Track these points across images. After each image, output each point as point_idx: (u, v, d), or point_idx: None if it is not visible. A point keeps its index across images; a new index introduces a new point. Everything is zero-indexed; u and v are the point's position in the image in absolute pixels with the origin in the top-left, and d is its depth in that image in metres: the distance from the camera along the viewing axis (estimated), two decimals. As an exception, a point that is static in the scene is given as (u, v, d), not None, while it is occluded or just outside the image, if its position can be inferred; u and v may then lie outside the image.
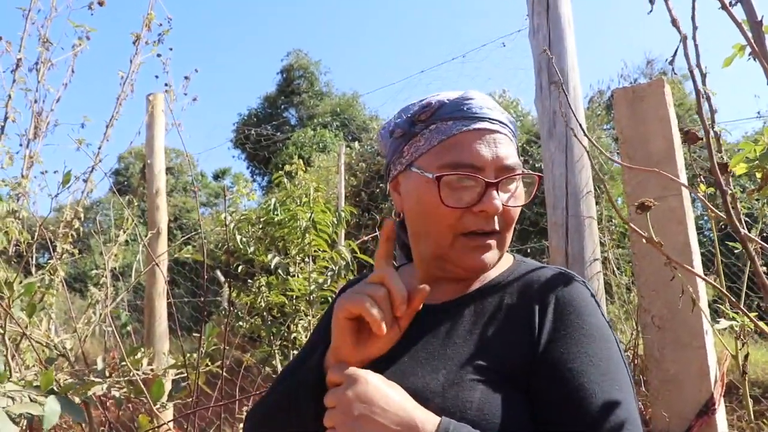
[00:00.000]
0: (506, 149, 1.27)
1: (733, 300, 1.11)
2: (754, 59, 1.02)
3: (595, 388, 1.08)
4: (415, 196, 1.30)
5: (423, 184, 1.27)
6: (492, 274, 1.33)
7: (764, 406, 5.79)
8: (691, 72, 0.94)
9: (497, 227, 1.25)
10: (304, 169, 4.30)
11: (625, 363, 1.17)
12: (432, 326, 1.26)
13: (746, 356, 1.69)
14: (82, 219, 3.56)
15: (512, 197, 1.28)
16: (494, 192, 1.22)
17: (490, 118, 1.28)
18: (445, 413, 1.05)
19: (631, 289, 4.54)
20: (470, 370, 1.14)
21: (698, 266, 2.28)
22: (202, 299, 3.29)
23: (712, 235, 1.94)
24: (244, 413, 1.46)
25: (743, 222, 1.12)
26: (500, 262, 1.36)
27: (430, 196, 1.25)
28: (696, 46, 0.97)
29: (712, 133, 1.00)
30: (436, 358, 1.13)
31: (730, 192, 0.93)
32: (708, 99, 0.98)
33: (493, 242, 1.26)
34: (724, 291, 1.17)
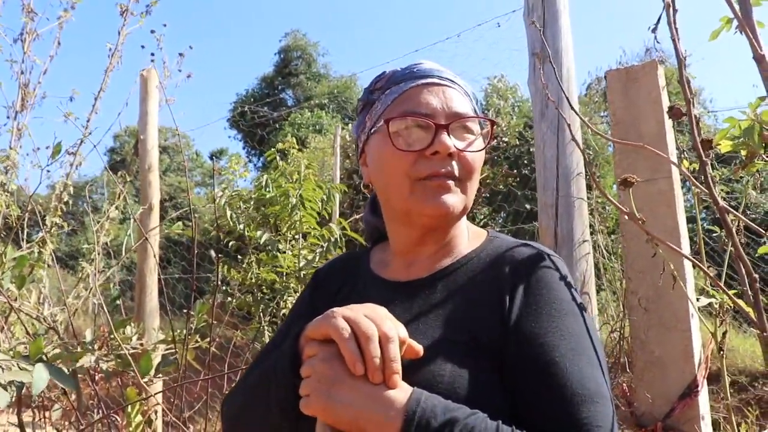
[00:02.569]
0: (456, 100, 1.29)
1: (712, 276, 1.11)
2: (741, 32, 1.01)
3: (566, 363, 1.08)
4: (375, 155, 1.33)
5: (380, 140, 1.31)
6: (465, 250, 1.34)
7: (751, 394, 5.83)
8: (674, 40, 0.94)
9: (455, 172, 1.25)
10: (297, 147, 4.29)
11: (596, 339, 1.18)
12: (404, 303, 1.27)
13: (724, 334, 1.70)
14: (76, 197, 3.55)
15: (469, 146, 1.28)
16: (445, 133, 1.24)
17: (439, 76, 1.32)
18: (416, 387, 1.05)
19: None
20: (443, 345, 1.15)
21: (686, 249, 2.29)
22: (194, 276, 3.28)
23: (697, 222, 1.95)
24: (230, 389, 1.46)
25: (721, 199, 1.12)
26: (473, 238, 1.38)
27: (386, 146, 1.27)
28: (674, 11, 0.96)
29: (694, 110, 1.00)
30: (409, 333, 1.12)
31: (708, 164, 0.93)
32: (682, 67, 0.98)
33: (452, 184, 1.25)
34: (704, 268, 1.17)
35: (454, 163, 1.25)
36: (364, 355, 1.02)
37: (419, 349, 1.09)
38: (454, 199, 1.26)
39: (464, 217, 1.37)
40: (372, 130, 1.35)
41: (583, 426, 1.03)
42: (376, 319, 1.05)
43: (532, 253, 1.25)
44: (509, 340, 1.14)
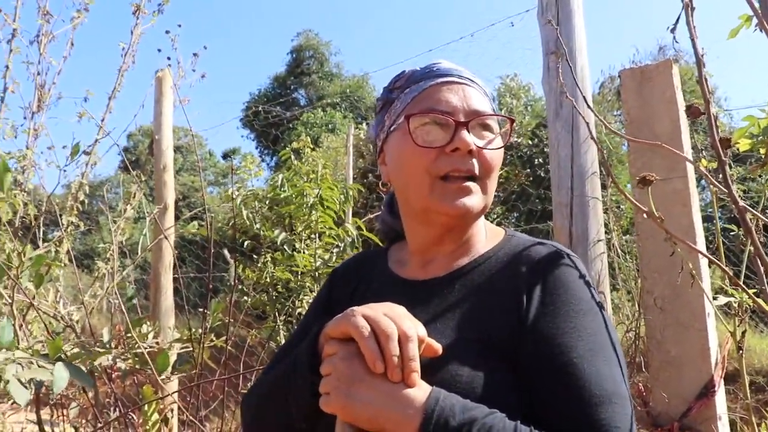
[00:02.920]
0: (476, 99, 1.30)
1: (732, 275, 1.11)
2: (761, 30, 1.01)
3: (583, 363, 1.09)
4: (395, 153, 1.34)
5: (400, 138, 1.31)
6: (483, 249, 1.34)
7: (767, 395, 5.79)
8: (692, 39, 0.94)
9: (476, 170, 1.26)
10: (311, 146, 4.30)
11: (614, 338, 1.18)
12: (422, 301, 1.27)
13: (743, 333, 1.69)
14: (91, 197, 3.58)
15: (489, 144, 1.29)
16: (465, 131, 1.24)
17: (458, 75, 1.32)
18: (435, 384, 1.06)
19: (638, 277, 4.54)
20: (461, 343, 1.16)
21: (702, 248, 2.28)
22: (210, 275, 3.30)
23: (715, 221, 1.94)
24: (248, 388, 1.46)
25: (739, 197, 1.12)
26: (491, 237, 1.38)
27: (406, 144, 1.28)
28: (691, 10, 0.96)
29: (713, 108, 1.00)
30: (427, 332, 1.11)
31: (727, 163, 0.93)
32: (701, 66, 0.98)
33: (473, 186, 1.26)
34: (723, 267, 1.17)
35: (474, 160, 1.25)
36: (384, 353, 1.03)
37: (438, 347, 1.09)
38: (474, 200, 1.26)
39: (482, 216, 1.37)
40: (391, 129, 1.35)
41: (601, 427, 1.04)
42: (395, 318, 1.05)
43: (549, 252, 1.25)
44: (526, 340, 1.14)
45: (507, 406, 1.06)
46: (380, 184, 1.46)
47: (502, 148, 1.32)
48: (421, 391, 1.03)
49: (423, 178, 1.26)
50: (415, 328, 1.06)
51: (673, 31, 1.01)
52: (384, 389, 1.02)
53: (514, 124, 1.36)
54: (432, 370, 1.10)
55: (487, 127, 1.30)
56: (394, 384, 1.02)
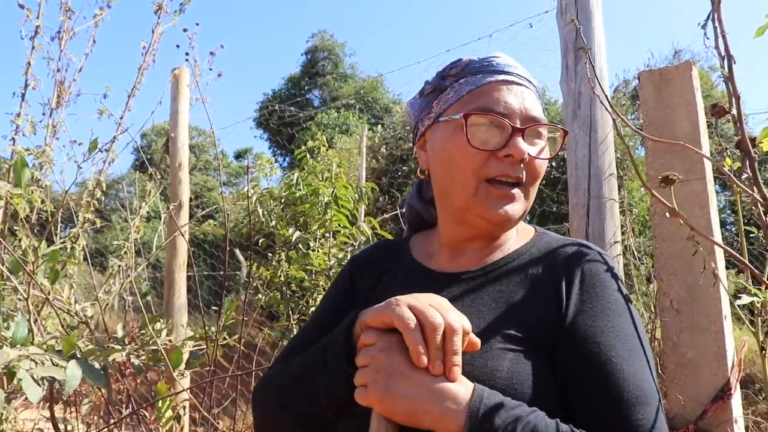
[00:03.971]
0: (532, 102, 1.28)
1: (757, 272, 1.10)
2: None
3: (622, 363, 1.08)
4: (441, 145, 1.31)
5: (450, 131, 1.28)
6: (514, 245, 1.33)
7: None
8: (723, 36, 0.93)
9: (523, 177, 1.24)
10: (326, 146, 4.30)
11: (645, 339, 1.17)
12: (455, 295, 1.25)
13: (767, 334, 1.67)
14: (106, 195, 3.59)
15: (539, 152, 1.27)
16: (520, 138, 1.23)
17: (517, 74, 1.30)
18: (473, 380, 1.05)
19: (651, 279, 4.51)
20: (498, 339, 1.14)
21: (719, 251, 2.26)
22: (222, 273, 3.31)
23: (739, 221, 1.92)
24: (261, 379, 1.43)
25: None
26: (522, 234, 1.37)
27: (457, 140, 1.25)
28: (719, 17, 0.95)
29: (732, 110, 0.99)
30: None
31: (756, 160, 0.92)
32: (731, 63, 0.97)
33: (517, 193, 1.25)
34: (747, 263, 1.16)
35: (523, 167, 1.24)
36: (428, 346, 1.01)
37: (477, 342, 1.08)
38: (516, 208, 1.25)
39: None
40: (440, 118, 1.32)
41: (639, 427, 1.04)
42: (441, 310, 1.04)
43: (587, 251, 1.25)
44: (564, 337, 1.13)
45: (546, 403, 1.06)
46: (418, 171, 1.45)
47: (553, 157, 1.31)
48: (463, 387, 1.02)
49: (470, 177, 1.25)
50: (461, 321, 1.04)
51: (704, 27, 1.00)
52: (425, 383, 1.01)
53: (566, 135, 1.35)
54: (470, 365, 1.09)
55: (539, 134, 1.29)
56: (435, 378, 1.01)
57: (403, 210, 1.64)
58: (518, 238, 1.35)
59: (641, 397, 1.06)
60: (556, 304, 1.17)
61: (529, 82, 1.31)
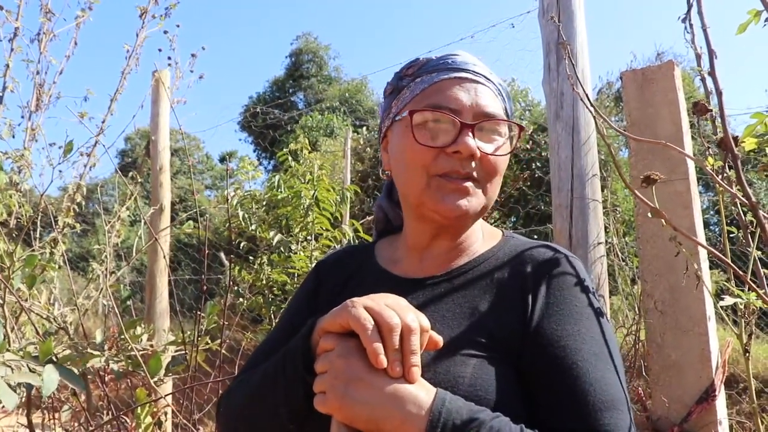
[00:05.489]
0: (487, 99, 1.26)
1: (740, 272, 1.08)
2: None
3: (588, 367, 1.07)
4: (397, 145, 1.30)
5: (403, 129, 1.28)
6: (481, 249, 1.31)
7: (764, 399, 5.77)
8: (704, 30, 0.91)
9: (474, 173, 1.22)
10: (309, 148, 4.28)
11: (613, 343, 1.16)
12: (420, 301, 1.23)
13: (750, 335, 1.66)
14: (88, 199, 3.55)
15: (496, 149, 1.25)
16: (469, 134, 1.21)
17: (473, 71, 1.28)
18: (436, 386, 1.03)
19: (636, 281, 4.52)
20: (462, 345, 1.13)
21: (703, 251, 2.25)
22: (204, 277, 3.27)
23: (722, 221, 1.91)
24: (226, 389, 1.40)
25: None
26: (488, 238, 1.36)
27: (407, 138, 1.25)
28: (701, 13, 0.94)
29: (714, 108, 0.97)
30: None
31: (739, 157, 0.90)
32: (712, 58, 0.95)
33: (471, 187, 1.23)
34: (729, 262, 1.14)
35: (474, 164, 1.22)
36: (386, 347, 0.99)
37: (439, 339, 1.06)
38: (471, 202, 1.23)
39: (480, 217, 1.34)
40: (396, 118, 1.32)
41: None
42: (398, 309, 1.02)
43: (553, 255, 1.23)
44: (529, 341, 1.12)
45: (511, 409, 1.04)
46: (381, 171, 1.45)
47: (508, 154, 1.28)
48: (424, 390, 1.00)
49: (421, 174, 1.23)
50: (418, 320, 1.02)
51: (684, 21, 0.98)
52: (384, 388, 0.98)
53: (527, 131, 1.33)
54: (433, 371, 1.08)
55: (495, 131, 1.26)
56: (395, 382, 0.99)
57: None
58: (485, 241, 1.34)
59: (608, 402, 1.04)
60: (522, 309, 1.15)
61: (488, 79, 1.29)
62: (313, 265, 3.78)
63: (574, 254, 1.27)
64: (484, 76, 1.29)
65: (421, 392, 0.99)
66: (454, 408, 0.98)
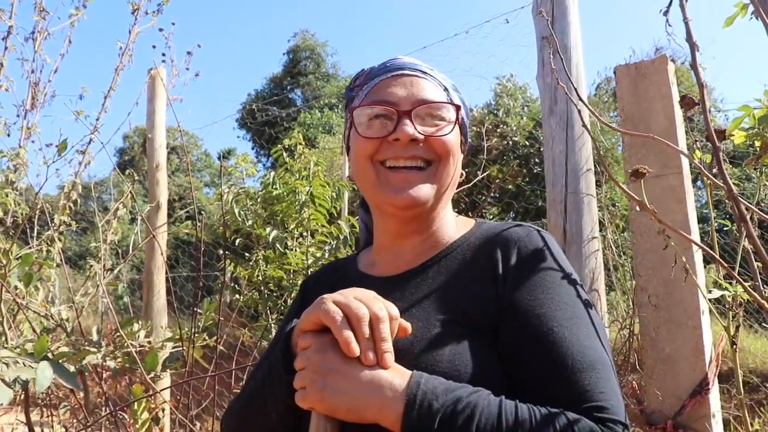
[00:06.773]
0: (426, 89, 1.31)
1: (726, 266, 1.09)
2: (756, 18, 0.99)
3: (564, 332, 1.09)
4: (351, 147, 1.37)
5: (352, 131, 1.34)
6: (452, 237, 1.35)
7: (762, 394, 5.78)
8: (686, 23, 0.92)
9: (423, 158, 1.27)
10: (303, 143, 4.26)
11: (591, 308, 1.18)
12: (397, 294, 1.26)
13: (737, 328, 1.67)
14: (86, 197, 3.55)
15: (438, 131, 1.29)
16: (407, 121, 1.25)
17: (411, 68, 1.34)
18: (417, 369, 1.06)
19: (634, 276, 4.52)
20: (438, 326, 1.16)
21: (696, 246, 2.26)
22: (201, 274, 3.27)
23: (710, 216, 1.91)
24: (240, 388, 1.44)
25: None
26: (461, 226, 1.39)
27: (353, 136, 1.33)
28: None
29: (707, 100, 0.97)
30: (405, 320, 1.11)
31: (722, 149, 0.91)
32: (694, 52, 0.96)
33: (421, 175, 1.27)
34: (717, 257, 1.15)
35: (421, 147, 1.27)
36: (357, 336, 1.03)
37: (407, 326, 1.09)
38: (422, 191, 1.27)
39: (449, 209, 1.40)
40: (349, 125, 1.37)
41: (585, 392, 1.03)
42: (366, 301, 1.06)
43: (522, 231, 1.26)
44: (505, 314, 1.14)
45: (491, 383, 1.06)
46: (345, 178, 1.49)
47: (452, 134, 1.31)
48: (399, 375, 1.03)
49: (367, 165, 1.30)
50: (386, 309, 1.06)
51: (665, 13, 0.98)
52: (361, 376, 1.02)
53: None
54: (412, 355, 1.11)
55: (438, 117, 1.30)
56: (370, 370, 1.02)
57: None
58: (457, 230, 1.37)
59: (586, 363, 1.06)
60: (494, 284, 1.18)
61: (427, 74, 1.35)
62: (310, 261, 3.80)
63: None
64: (423, 71, 1.34)
65: (396, 377, 1.02)
66: (430, 388, 1.01)
